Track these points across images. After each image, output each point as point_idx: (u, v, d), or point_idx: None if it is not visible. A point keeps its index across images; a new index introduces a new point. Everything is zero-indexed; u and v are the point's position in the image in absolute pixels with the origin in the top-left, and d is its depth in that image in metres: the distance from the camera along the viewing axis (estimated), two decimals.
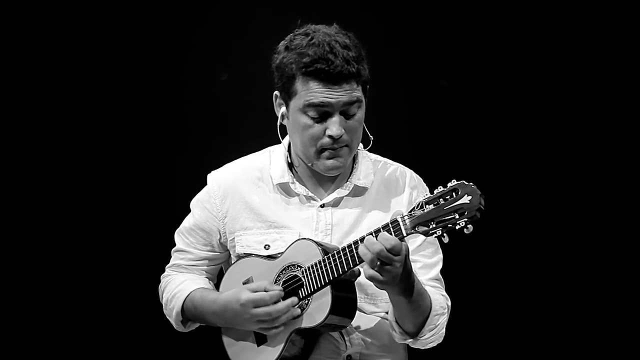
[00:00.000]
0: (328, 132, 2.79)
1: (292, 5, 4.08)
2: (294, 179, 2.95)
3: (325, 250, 2.76)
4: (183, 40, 4.23)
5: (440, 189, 2.54)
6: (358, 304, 2.82)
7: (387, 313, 2.91)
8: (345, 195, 2.93)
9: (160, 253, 3.18)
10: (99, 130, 4.23)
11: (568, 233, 4.11)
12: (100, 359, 4.23)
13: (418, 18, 4.16)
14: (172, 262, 3.10)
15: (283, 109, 2.87)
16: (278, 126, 2.94)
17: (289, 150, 2.98)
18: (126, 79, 4.22)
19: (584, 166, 4.10)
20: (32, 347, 4.21)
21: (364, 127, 2.88)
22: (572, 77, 4.09)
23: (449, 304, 2.89)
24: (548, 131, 4.12)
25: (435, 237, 2.53)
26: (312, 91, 2.76)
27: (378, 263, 2.58)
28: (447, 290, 2.94)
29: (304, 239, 2.82)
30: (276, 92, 2.88)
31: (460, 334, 3.11)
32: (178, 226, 3.09)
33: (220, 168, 3.06)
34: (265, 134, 3.02)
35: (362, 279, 2.74)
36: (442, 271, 2.96)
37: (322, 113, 2.79)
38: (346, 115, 2.80)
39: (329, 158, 2.84)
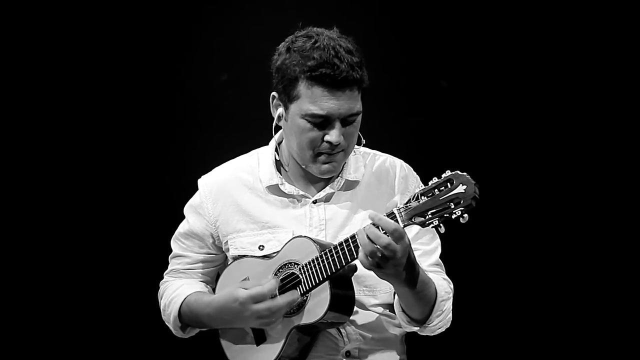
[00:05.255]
0: (327, 138, 2.79)
1: (292, 5, 4.06)
2: (283, 180, 2.95)
3: (322, 246, 2.76)
4: (182, 40, 4.20)
5: (435, 180, 2.55)
6: (358, 297, 2.83)
7: (385, 309, 2.93)
8: (337, 190, 2.94)
9: (162, 257, 3.17)
10: (97, 131, 4.20)
11: (565, 229, 4.11)
12: None
13: (418, 18, 4.17)
14: (169, 268, 3.11)
15: (281, 110, 2.86)
16: (274, 127, 2.92)
17: (278, 150, 2.99)
18: (125, 79, 4.18)
19: (580, 164, 4.09)
20: (34, 350, 4.19)
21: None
22: (570, 76, 4.09)
23: (452, 287, 2.91)
24: (547, 130, 4.12)
25: (432, 227, 2.54)
26: (316, 99, 2.74)
27: (379, 255, 2.57)
28: None
29: (300, 236, 2.82)
30: (274, 93, 2.87)
31: (459, 333, 3.12)
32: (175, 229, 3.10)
33: (210, 172, 3.06)
34: (263, 134, 3.03)
35: (359, 271, 2.75)
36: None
37: (323, 120, 2.78)
38: (345, 122, 2.79)
39: (324, 162, 2.84)
